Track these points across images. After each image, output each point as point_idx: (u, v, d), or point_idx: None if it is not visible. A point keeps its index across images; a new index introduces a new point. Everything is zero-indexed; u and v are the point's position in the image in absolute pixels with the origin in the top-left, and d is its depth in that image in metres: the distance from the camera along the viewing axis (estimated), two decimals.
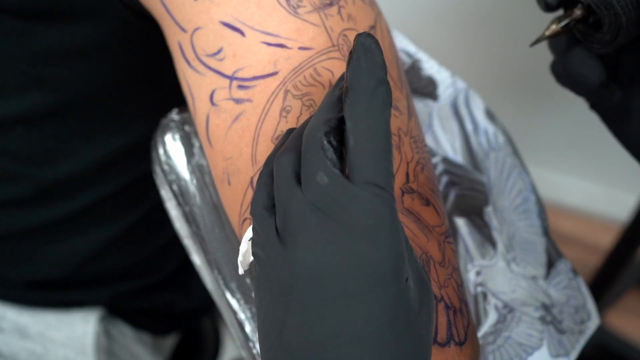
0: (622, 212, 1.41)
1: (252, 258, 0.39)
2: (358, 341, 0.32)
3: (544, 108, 1.45)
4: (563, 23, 0.43)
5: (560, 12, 0.45)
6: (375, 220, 0.32)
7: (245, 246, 0.40)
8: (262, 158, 0.42)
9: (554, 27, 0.43)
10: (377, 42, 0.35)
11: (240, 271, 0.40)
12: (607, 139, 1.63)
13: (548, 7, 0.43)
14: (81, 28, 0.53)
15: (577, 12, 0.42)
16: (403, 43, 0.60)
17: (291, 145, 0.36)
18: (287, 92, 0.42)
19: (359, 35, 0.35)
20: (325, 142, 0.34)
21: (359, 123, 0.33)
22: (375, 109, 0.34)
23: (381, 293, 0.32)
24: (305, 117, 0.42)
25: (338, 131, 0.35)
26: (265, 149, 0.42)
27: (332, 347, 0.32)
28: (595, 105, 0.48)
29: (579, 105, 1.47)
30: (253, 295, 0.50)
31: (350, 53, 0.35)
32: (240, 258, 0.40)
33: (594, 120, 1.67)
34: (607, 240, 1.36)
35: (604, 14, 0.41)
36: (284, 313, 0.34)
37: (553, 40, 0.46)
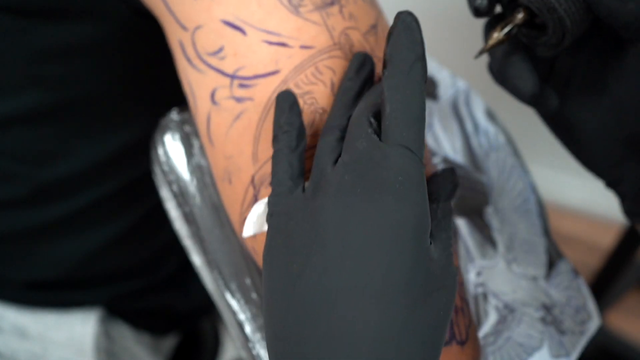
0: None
1: (254, 225, 0.41)
2: (375, 297, 0.33)
3: None
4: (506, 30, 0.41)
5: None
6: (404, 177, 0.34)
7: (257, 210, 0.41)
8: (263, 156, 0.42)
9: (496, 35, 0.41)
10: (417, 20, 0.37)
11: (249, 232, 0.41)
12: None
13: (478, 13, 0.41)
14: (80, 26, 0.53)
15: (519, 16, 0.41)
16: None
17: (335, 124, 0.39)
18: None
19: (400, 13, 0.37)
20: (371, 118, 0.37)
21: (396, 93, 0.36)
22: (412, 81, 0.36)
23: (402, 249, 0.33)
24: (307, 115, 0.42)
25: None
26: (267, 147, 0.42)
27: (347, 299, 0.33)
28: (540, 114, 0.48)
29: None
30: (253, 296, 0.50)
31: (390, 30, 0.37)
32: (249, 221, 0.41)
33: None
34: (607, 240, 1.36)
35: (547, 18, 0.39)
36: (302, 265, 0.35)
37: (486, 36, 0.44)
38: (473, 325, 0.44)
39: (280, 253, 0.36)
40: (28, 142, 0.62)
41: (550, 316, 0.51)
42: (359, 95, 0.41)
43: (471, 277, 0.50)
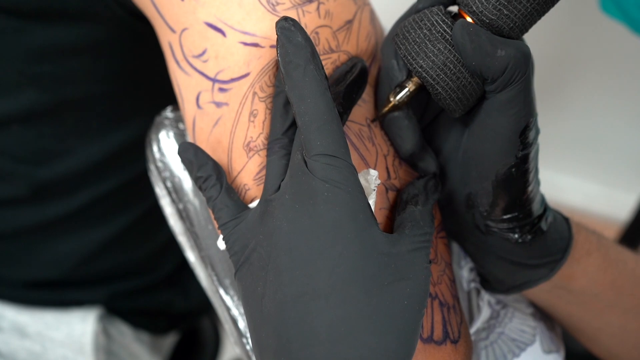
0: (621, 212, 1.41)
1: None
2: (323, 296, 0.34)
3: (543, 108, 1.45)
4: (399, 97, 0.42)
5: None
6: (330, 184, 0.36)
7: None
8: (237, 166, 0.42)
9: (391, 99, 0.42)
10: (296, 23, 0.37)
11: (222, 247, 0.41)
12: (607, 139, 1.63)
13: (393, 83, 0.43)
14: (75, 27, 0.53)
15: (411, 86, 0.42)
16: None
17: (274, 138, 0.41)
18: (254, 94, 0.42)
19: (277, 21, 0.37)
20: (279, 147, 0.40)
21: (299, 104, 0.36)
22: (310, 87, 0.36)
23: (344, 249, 0.35)
24: (269, 121, 0.42)
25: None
26: (238, 156, 0.42)
27: (300, 305, 0.34)
28: None
29: (578, 105, 1.47)
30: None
31: (277, 40, 0.37)
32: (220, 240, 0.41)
33: (593, 121, 1.67)
34: None
35: (429, 91, 0.40)
36: (263, 287, 0.36)
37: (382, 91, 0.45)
38: (464, 322, 0.44)
39: (247, 277, 0.38)
40: (27, 142, 0.62)
41: (540, 312, 0.51)
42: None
43: (464, 272, 0.50)
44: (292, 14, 0.42)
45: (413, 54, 0.40)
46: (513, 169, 0.41)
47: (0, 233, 0.68)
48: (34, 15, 0.52)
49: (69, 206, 0.66)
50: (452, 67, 0.39)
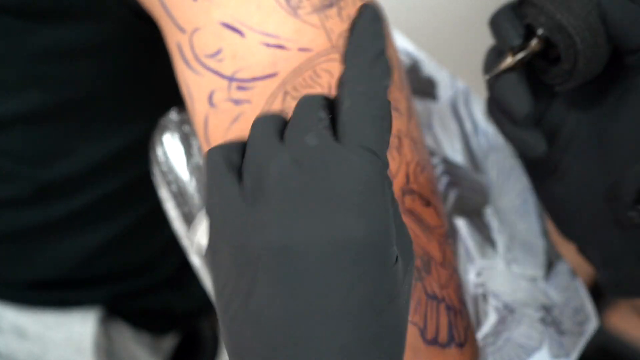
0: None
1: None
2: (334, 318, 0.29)
3: None
4: (519, 56, 0.41)
5: None
6: (365, 188, 0.28)
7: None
8: None
9: (509, 59, 0.41)
10: (379, 12, 0.33)
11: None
12: None
13: (514, 51, 0.41)
14: (80, 28, 0.53)
15: (533, 43, 0.41)
16: (403, 43, 0.59)
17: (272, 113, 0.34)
18: (286, 93, 0.42)
19: (362, 5, 0.34)
20: (321, 107, 0.32)
21: (357, 86, 0.31)
22: (376, 75, 0.32)
23: (365, 270, 0.29)
24: None
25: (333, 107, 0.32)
26: None
27: (306, 323, 0.29)
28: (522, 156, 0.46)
29: None
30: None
31: (354, 21, 0.34)
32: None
33: None
34: None
35: (558, 39, 0.39)
36: (250, 284, 0.30)
37: (489, 62, 0.43)
38: (471, 327, 0.44)
39: (225, 260, 0.31)
40: (30, 142, 0.62)
41: (550, 317, 0.51)
42: None
43: (471, 277, 0.50)
44: (313, 19, 0.42)
45: (554, 6, 0.39)
46: None
47: (1, 233, 0.68)
48: (38, 16, 0.52)
49: (71, 207, 0.66)
50: (592, 22, 0.38)
